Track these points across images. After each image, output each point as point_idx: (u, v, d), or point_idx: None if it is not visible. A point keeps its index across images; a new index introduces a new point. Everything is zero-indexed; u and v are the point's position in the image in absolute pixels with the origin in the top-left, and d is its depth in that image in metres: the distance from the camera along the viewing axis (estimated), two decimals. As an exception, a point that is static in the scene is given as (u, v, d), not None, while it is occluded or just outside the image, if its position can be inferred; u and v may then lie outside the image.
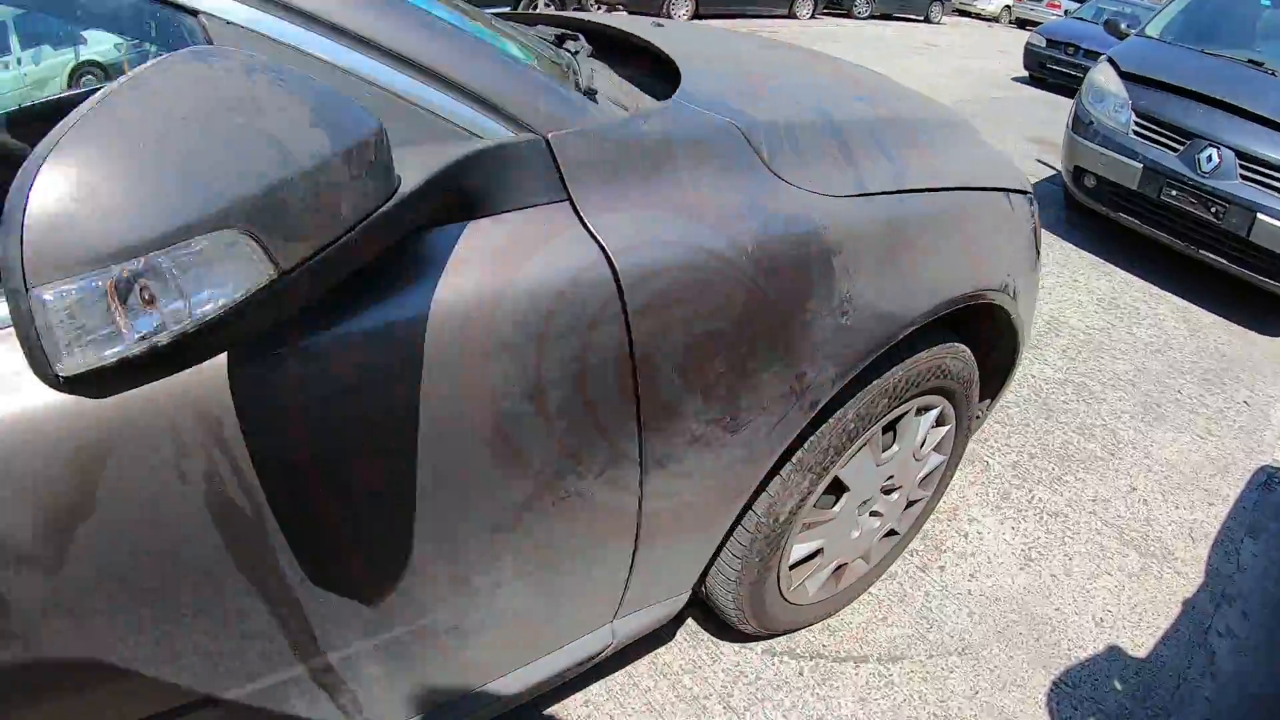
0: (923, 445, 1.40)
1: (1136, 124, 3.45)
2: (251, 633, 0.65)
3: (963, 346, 1.31)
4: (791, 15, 12.71)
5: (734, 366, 0.84)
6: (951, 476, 1.63)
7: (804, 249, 0.88)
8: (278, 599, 0.65)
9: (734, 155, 0.87)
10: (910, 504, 1.53)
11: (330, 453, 0.62)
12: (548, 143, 0.72)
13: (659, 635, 1.45)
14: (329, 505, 0.64)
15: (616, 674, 1.38)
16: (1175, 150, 3.27)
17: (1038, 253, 1.46)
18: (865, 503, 1.35)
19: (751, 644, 1.48)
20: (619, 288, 0.72)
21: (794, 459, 1.05)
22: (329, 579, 0.67)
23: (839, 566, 1.43)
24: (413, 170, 0.60)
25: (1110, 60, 3.75)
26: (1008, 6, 17.04)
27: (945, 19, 15.91)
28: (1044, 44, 8.74)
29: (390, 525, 0.68)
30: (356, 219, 0.51)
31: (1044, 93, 8.39)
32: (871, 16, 14.62)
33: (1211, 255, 3.24)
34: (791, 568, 1.32)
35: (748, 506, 1.08)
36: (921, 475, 1.47)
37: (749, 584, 1.22)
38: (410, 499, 0.68)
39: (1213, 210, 3.12)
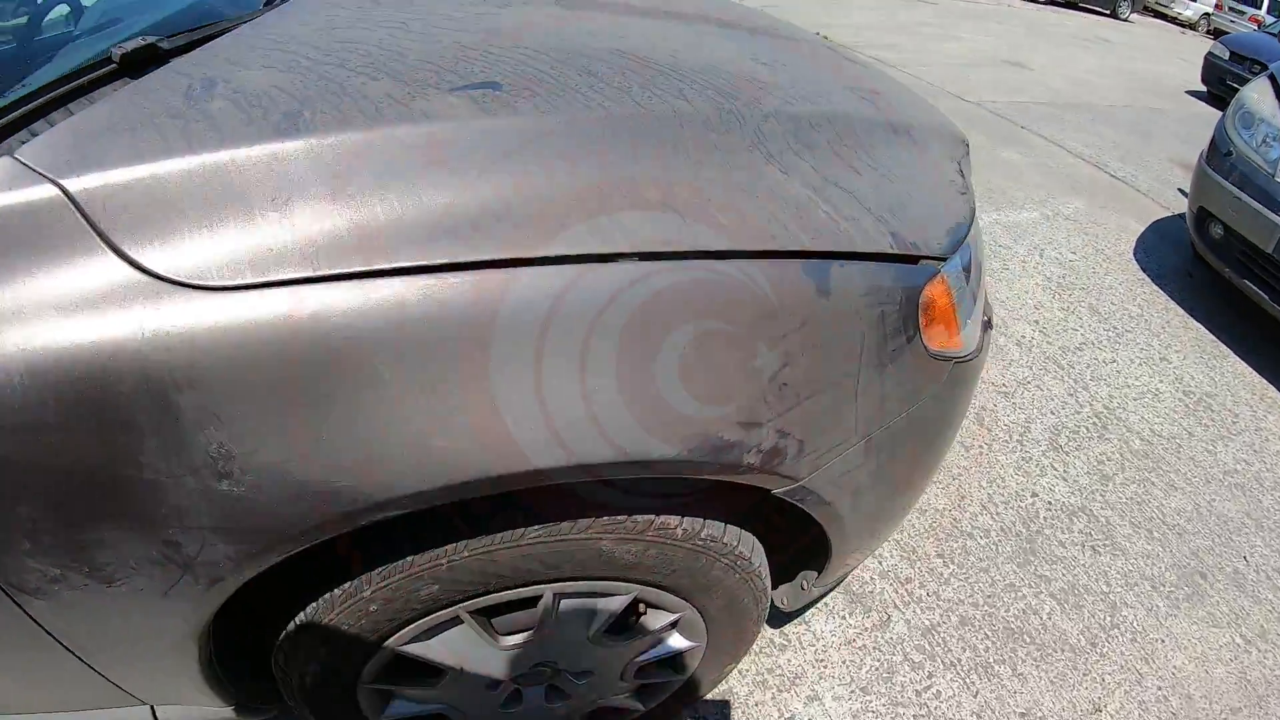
0: (611, 630, 0.94)
1: (1289, 165, 2.52)
2: None
3: (664, 521, 0.79)
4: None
5: (53, 519, 0.67)
6: (736, 661, 1.09)
7: (111, 382, 0.62)
8: None
9: (43, 235, 0.63)
10: (645, 686, 1.11)
11: None
12: None
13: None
14: None
15: None
16: (1334, 210, 2.34)
17: (929, 354, 0.86)
18: (520, 677, 0.99)
19: None
20: None
21: (295, 622, 0.85)
22: None
23: None
24: None
25: (1271, 77, 2.77)
26: (1207, 14, 15.24)
27: (1134, 16, 14.79)
28: (1226, 56, 7.38)
29: None
30: None
31: (1218, 111, 6.92)
32: (1051, 2, 13.53)
33: (1360, 364, 2.31)
34: None
35: (266, 654, 0.92)
36: (642, 660, 1.02)
37: None
38: None
39: (1371, 302, 2.19)
